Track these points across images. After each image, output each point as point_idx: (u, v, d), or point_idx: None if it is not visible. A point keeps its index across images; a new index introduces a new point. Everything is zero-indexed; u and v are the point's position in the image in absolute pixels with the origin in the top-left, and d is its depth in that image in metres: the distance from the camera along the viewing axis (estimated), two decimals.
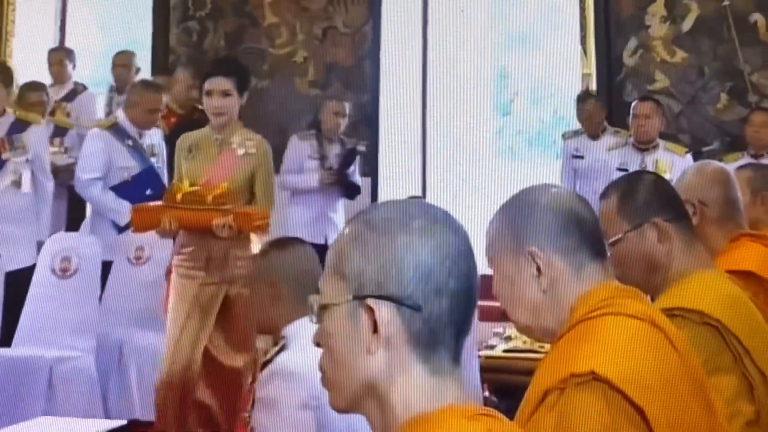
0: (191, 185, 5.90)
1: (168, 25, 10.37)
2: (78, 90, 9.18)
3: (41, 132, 7.35)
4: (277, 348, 4.13)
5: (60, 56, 9.12)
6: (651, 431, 2.40)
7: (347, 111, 8.82)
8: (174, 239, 6.20)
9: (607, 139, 8.66)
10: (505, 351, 5.05)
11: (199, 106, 8.72)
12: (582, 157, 8.72)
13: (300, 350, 3.97)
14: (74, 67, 9.27)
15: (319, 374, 2.03)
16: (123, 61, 9.43)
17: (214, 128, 6.08)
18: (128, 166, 7.65)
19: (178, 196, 5.84)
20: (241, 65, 6.38)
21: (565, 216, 2.57)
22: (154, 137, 7.98)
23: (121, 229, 7.43)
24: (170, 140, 7.81)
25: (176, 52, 10.33)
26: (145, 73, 10.05)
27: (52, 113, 8.50)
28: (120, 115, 7.81)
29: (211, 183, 5.86)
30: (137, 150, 7.72)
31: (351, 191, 8.77)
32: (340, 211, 8.70)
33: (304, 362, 3.77)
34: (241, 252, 5.89)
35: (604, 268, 2.60)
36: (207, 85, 6.01)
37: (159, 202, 6.04)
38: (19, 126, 6.87)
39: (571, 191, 2.87)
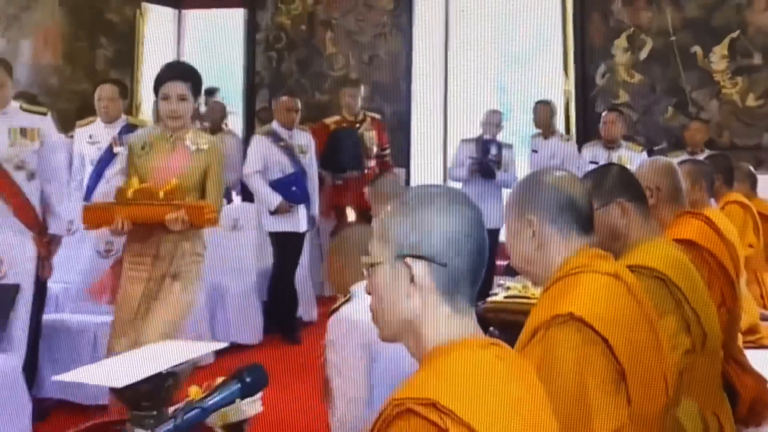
0: (142, 181, 4.72)
1: (255, 54, 10.41)
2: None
3: None
4: (343, 300, 4.20)
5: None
6: (615, 358, 2.45)
7: (501, 120, 8.59)
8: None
9: (555, 140, 8.68)
10: (506, 297, 5.04)
11: (371, 114, 8.68)
12: (536, 152, 8.69)
13: (360, 303, 4.10)
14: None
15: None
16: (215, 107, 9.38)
17: (168, 128, 4.82)
18: (281, 161, 7.72)
19: (129, 193, 4.67)
20: (196, 70, 5.08)
21: (563, 198, 2.62)
22: (302, 138, 7.95)
23: (271, 212, 7.61)
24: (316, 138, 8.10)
25: (261, 74, 10.38)
26: (238, 88, 10.11)
27: None
28: (275, 123, 7.91)
29: (162, 178, 4.70)
30: (288, 149, 7.78)
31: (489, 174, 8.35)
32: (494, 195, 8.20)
33: (363, 312, 3.91)
34: (190, 247, 4.78)
35: (588, 239, 2.64)
36: (164, 89, 4.75)
37: (110, 201, 4.83)
38: (129, 128, 6.81)
39: (576, 178, 2.87)
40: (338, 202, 8.33)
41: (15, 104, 5.44)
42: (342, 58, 10.22)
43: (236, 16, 10.60)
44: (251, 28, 10.49)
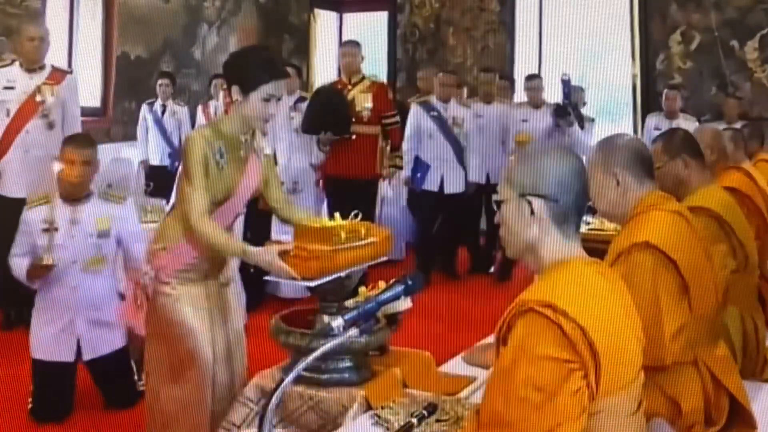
0: (226, 196, 2.94)
1: (396, 46, 10.40)
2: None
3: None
4: None
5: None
6: (680, 274, 2.42)
7: (585, 97, 7.90)
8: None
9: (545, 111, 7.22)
10: (588, 230, 4.93)
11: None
12: (526, 121, 7.23)
13: None
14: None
15: None
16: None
17: (240, 132, 2.99)
18: (429, 128, 6.79)
19: (343, 235, 2.78)
20: None
21: (636, 153, 2.56)
22: (458, 111, 6.95)
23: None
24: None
25: (400, 61, 10.37)
26: (383, 72, 10.09)
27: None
28: (433, 96, 7.01)
29: (240, 197, 3.03)
30: (440, 119, 6.81)
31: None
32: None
33: None
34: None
35: (654, 184, 2.58)
36: (270, 89, 2.87)
37: (323, 246, 2.70)
38: (301, 99, 6.83)
39: (640, 139, 2.83)
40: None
41: None
42: (460, 48, 10.11)
43: (382, 17, 10.58)
44: (393, 26, 10.46)
